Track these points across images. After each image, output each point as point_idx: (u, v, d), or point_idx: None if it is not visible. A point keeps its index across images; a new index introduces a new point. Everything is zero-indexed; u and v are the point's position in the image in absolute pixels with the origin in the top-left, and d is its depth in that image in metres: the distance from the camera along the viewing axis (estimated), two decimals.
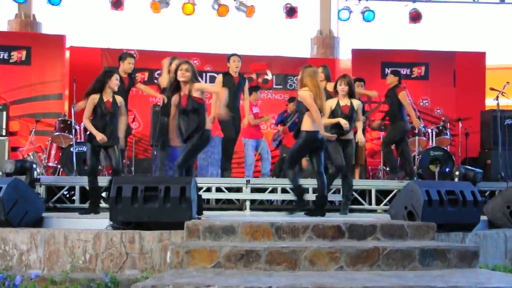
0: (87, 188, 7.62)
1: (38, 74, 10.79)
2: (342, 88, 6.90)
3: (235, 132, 8.12)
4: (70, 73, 10.74)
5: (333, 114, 6.79)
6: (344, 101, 6.89)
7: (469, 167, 8.03)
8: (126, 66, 7.97)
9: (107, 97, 6.41)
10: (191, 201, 5.01)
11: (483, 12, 13.16)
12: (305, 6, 12.40)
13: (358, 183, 8.14)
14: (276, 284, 3.71)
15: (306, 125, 6.34)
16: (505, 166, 9.00)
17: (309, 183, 7.72)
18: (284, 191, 7.85)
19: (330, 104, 6.85)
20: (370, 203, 8.03)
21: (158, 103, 8.22)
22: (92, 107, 6.36)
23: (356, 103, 6.92)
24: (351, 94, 6.93)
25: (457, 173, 7.61)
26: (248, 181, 7.74)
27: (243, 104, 8.34)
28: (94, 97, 6.37)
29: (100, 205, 6.63)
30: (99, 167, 7.60)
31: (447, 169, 8.95)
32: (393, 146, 8.51)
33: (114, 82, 6.45)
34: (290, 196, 7.87)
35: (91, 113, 6.37)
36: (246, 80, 8.38)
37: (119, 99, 6.53)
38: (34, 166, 7.18)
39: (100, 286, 4.46)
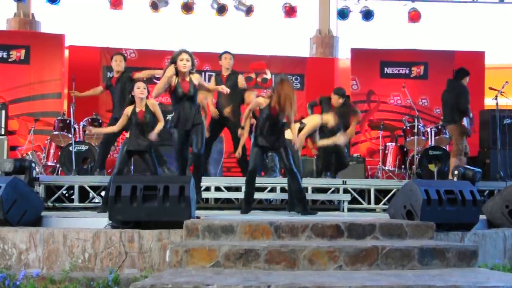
0: (86, 187, 7.66)
1: (37, 73, 10.79)
2: None
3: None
4: (69, 72, 10.73)
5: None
6: None
7: (468, 166, 8.03)
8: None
9: (139, 107, 6.49)
10: (190, 200, 5.01)
11: (482, 12, 13.16)
12: (304, 5, 12.41)
13: (357, 182, 8.15)
14: (275, 283, 3.70)
15: None
16: (504, 165, 9.00)
17: (307, 182, 7.75)
18: (283, 190, 7.85)
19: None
20: (369, 203, 8.03)
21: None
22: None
23: None
24: None
25: (456, 172, 7.60)
26: None
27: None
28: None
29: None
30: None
31: (446, 169, 8.95)
32: None
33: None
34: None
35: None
36: (239, 76, 8.26)
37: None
38: (33, 165, 7.17)
39: (101, 284, 4.45)
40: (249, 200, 6.58)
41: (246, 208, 6.47)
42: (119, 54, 8.02)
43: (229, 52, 8.31)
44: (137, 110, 6.44)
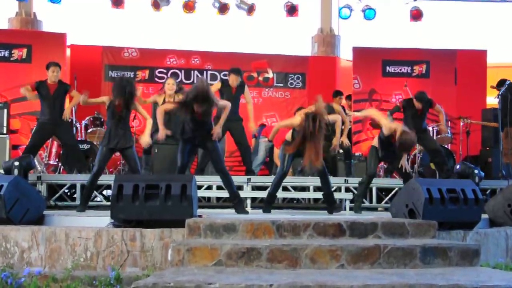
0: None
1: (39, 72, 10.73)
2: None
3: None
4: (71, 71, 10.72)
5: None
6: None
7: (469, 164, 8.02)
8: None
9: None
10: (192, 199, 5.01)
11: (484, 10, 13.17)
12: (306, 4, 12.41)
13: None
14: (277, 282, 3.70)
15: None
16: (506, 164, 8.98)
17: (309, 181, 7.74)
18: (285, 189, 7.85)
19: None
20: (371, 201, 8.03)
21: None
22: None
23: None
24: None
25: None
26: (249, 179, 7.74)
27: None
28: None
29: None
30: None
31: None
32: None
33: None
34: (291, 194, 7.91)
35: None
36: (246, 86, 8.46)
37: None
38: (35, 164, 7.18)
39: (103, 282, 4.45)
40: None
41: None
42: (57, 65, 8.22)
43: (236, 73, 8.31)
44: (116, 102, 6.28)
